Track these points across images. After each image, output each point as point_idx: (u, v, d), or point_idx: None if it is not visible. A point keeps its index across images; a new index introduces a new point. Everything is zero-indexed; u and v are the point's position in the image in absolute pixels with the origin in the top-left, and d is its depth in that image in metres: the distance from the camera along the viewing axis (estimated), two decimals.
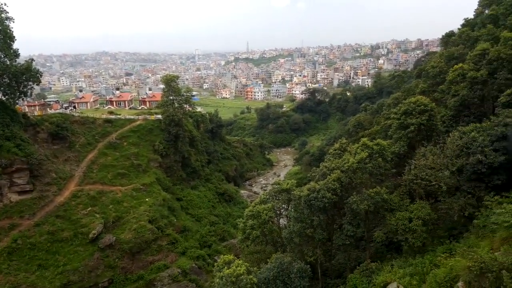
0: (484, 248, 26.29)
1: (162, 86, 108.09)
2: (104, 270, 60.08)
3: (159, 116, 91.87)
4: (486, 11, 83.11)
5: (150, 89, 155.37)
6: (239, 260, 38.34)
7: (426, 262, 30.02)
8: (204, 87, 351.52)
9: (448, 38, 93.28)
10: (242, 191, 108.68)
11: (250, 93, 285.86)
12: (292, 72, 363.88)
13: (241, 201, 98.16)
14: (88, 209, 66.44)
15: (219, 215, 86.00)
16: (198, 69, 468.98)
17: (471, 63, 50.28)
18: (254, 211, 45.86)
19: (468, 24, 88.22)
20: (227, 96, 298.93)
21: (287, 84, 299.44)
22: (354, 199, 35.11)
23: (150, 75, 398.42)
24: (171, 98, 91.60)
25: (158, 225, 68.29)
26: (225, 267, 35.69)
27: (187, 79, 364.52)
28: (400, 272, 30.66)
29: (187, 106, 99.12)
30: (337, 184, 36.93)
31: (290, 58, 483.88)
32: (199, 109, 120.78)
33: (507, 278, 20.56)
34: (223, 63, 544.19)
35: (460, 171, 33.57)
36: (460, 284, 23.96)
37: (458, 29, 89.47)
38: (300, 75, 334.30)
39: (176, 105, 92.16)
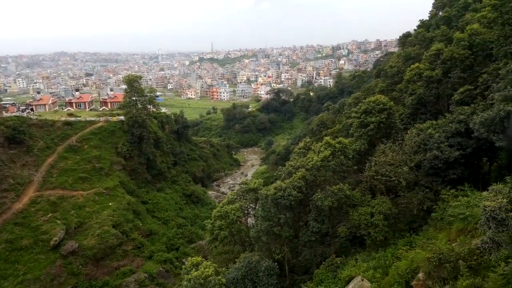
0: (442, 239, 27.52)
1: (124, 86, 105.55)
2: (67, 277, 58.05)
3: (122, 118, 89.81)
4: (440, 13, 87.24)
5: (111, 90, 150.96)
6: (207, 261, 38.25)
7: (388, 255, 31.12)
8: (169, 87, 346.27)
9: (405, 39, 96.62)
10: (209, 192, 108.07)
11: (215, 94, 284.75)
12: (257, 73, 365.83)
13: (208, 202, 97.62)
14: (49, 215, 63.92)
15: (186, 217, 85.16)
16: (162, 69, 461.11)
17: (426, 63, 52.61)
18: (222, 212, 45.84)
19: (423, 25, 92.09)
20: (193, 96, 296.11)
21: (253, 85, 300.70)
22: (319, 196, 35.91)
23: (111, 75, 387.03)
24: (134, 98, 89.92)
25: (122, 229, 66.77)
26: (193, 269, 35.46)
27: (150, 79, 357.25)
28: (364, 265, 31.63)
29: (151, 107, 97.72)
30: (302, 182, 37.68)
31: (254, 59, 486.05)
32: (163, 109, 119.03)
33: (463, 268, 21.73)
34: (187, 63, 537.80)
35: (418, 166, 35.12)
36: (420, 275, 25.02)
37: (414, 30, 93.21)
38: (265, 76, 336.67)
39: (139, 106, 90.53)
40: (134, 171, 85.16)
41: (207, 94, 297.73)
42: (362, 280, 29.73)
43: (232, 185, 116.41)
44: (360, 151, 42.89)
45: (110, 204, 70.75)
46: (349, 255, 37.37)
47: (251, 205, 48.42)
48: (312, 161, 38.33)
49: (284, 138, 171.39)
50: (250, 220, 49.96)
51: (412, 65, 54.99)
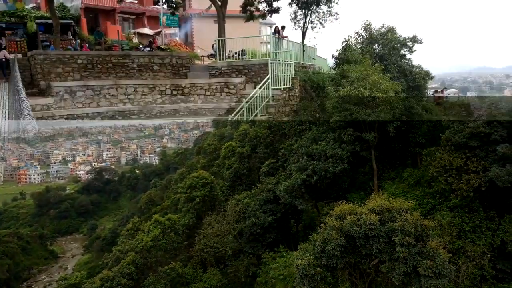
0: None
1: None
2: None
3: None
4: None
5: None
6: None
7: None
8: None
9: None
10: None
11: (24, 177, 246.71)
12: (74, 152, 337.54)
13: None
14: None
15: None
16: None
17: (237, 141, 59.64)
18: None
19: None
20: None
21: (70, 164, 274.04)
22: (151, 280, 34.97)
23: None
24: None
25: None
26: None
27: None
28: None
29: None
30: (132, 267, 36.19)
31: (71, 138, 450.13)
32: None
33: None
34: None
35: (240, 234, 38.55)
36: None
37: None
38: (84, 155, 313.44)
39: None
40: None
41: (12, 178, 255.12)
42: None
43: (48, 283, 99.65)
44: (189, 225, 44.22)
45: None
46: None
47: None
48: (142, 242, 37.63)
49: (110, 220, 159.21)
50: None
51: (226, 143, 61.43)
